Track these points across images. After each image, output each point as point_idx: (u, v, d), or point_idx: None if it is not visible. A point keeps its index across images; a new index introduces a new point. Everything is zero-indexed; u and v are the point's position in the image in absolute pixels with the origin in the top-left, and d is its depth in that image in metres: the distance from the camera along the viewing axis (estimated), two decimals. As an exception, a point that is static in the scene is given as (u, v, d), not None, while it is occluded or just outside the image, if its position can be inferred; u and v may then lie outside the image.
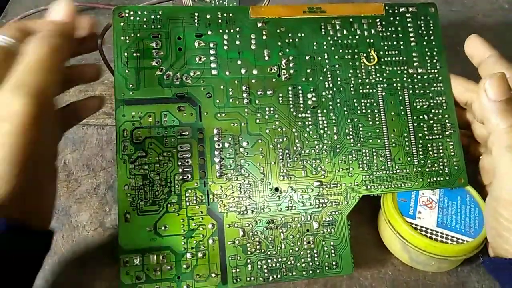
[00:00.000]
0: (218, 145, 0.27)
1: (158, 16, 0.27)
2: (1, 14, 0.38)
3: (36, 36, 0.21)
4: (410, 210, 0.28)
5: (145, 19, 0.27)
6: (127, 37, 0.26)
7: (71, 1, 0.23)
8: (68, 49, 0.23)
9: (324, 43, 0.29)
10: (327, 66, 0.29)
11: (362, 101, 0.28)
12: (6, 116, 0.19)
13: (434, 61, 0.30)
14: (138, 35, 0.27)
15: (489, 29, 0.42)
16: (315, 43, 0.29)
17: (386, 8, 0.30)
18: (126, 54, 0.26)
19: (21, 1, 0.39)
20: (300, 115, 0.28)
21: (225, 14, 0.28)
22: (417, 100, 0.29)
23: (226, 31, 0.28)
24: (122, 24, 0.26)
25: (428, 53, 0.30)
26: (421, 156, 0.28)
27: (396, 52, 0.29)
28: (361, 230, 0.31)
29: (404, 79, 0.29)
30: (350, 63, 0.29)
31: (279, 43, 0.28)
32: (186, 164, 0.26)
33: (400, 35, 0.30)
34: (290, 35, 0.29)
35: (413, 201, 0.28)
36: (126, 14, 0.27)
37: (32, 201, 0.20)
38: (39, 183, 0.21)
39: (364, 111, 0.28)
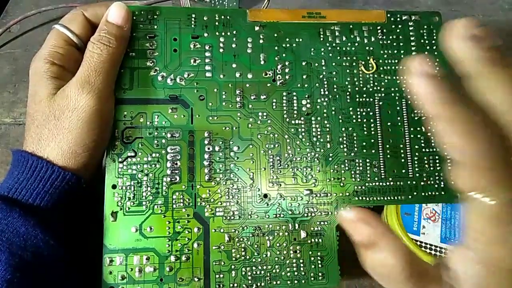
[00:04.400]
0: (209, 148, 0.26)
1: (155, 17, 0.27)
2: (1, 14, 0.39)
3: (100, 38, 0.25)
4: (414, 225, 0.27)
5: (141, 19, 0.27)
6: (123, 37, 0.26)
7: (127, 6, 0.26)
8: (124, 51, 0.26)
9: (322, 49, 0.28)
10: (324, 73, 0.28)
11: (358, 110, 0.28)
12: (73, 108, 0.23)
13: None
14: (134, 34, 0.27)
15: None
16: (312, 49, 0.28)
17: (388, 15, 0.29)
18: (121, 53, 0.26)
19: (22, 1, 0.39)
20: (293, 122, 0.27)
21: (222, 17, 0.28)
22: (415, 111, 0.28)
23: (223, 33, 0.28)
24: (118, 23, 0.27)
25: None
26: (416, 169, 0.28)
27: (396, 61, 0.29)
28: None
29: (403, 89, 0.28)
30: (348, 71, 0.28)
31: (276, 48, 0.28)
32: (175, 166, 0.26)
33: (401, 44, 0.29)
34: (287, 39, 0.28)
35: (417, 214, 0.28)
36: (123, 14, 0.27)
37: (91, 167, 0.25)
38: (97, 155, 0.25)
39: (359, 120, 0.28)
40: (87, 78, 0.24)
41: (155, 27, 0.27)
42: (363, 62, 0.28)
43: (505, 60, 0.16)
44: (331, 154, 0.27)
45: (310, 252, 0.26)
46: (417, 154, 0.28)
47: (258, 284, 0.25)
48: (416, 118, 0.28)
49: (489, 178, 0.15)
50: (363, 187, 0.27)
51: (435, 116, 0.15)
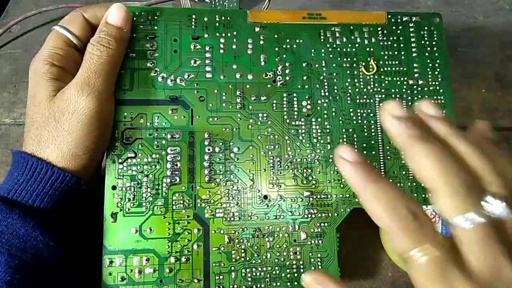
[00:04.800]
0: (209, 149, 0.26)
1: (156, 17, 0.27)
2: (2, 14, 0.39)
3: (100, 39, 0.25)
4: None
5: (142, 20, 0.27)
6: (123, 37, 0.26)
7: (126, 7, 0.26)
8: (123, 53, 0.26)
9: (323, 50, 0.28)
10: (324, 74, 0.28)
11: (359, 111, 0.28)
12: (72, 110, 0.23)
13: (436, 73, 0.29)
14: (134, 35, 0.27)
15: (489, 29, 0.41)
16: (313, 50, 0.28)
17: (389, 16, 0.29)
18: (121, 54, 0.26)
19: (22, 2, 0.39)
20: (293, 123, 0.27)
21: (222, 18, 0.28)
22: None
23: (223, 34, 0.28)
24: (118, 24, 0.26)
25: (430, 65, 0.29)
26: (416, 171, 0.27)
27: (397, 62, 0.29)
28: (361, 231, 0.31)
29: (404, 90, 0.28)
30: (348, 72, 0.28)
31: (276, 49, 0.28)
32: (175, 167, 0.26)
33: (401, 45, 0.29)
34: (288, 40, 0.28)
35: (417, 216, 0.28)
36: (123, 14, 0.27)
37: (91, 169, 0.25)
38: (97, 157, 0.26)
39: (360, 121, 0.28)
40: (86, 80, 0.24)
41: (156, 28, 0.27)
42: (363, 63, 0.28)
43: (433, 136, 0.18)
44: (331, 155, 0.27)
45: (310, 254, 0.26)
46: (417, 155, 0.28)
47: (258, 285, 0.25)
48: (416, 119, 0.28)
49: (416, 238, 0.16)
50: (363, 189, 0.27)
51: None
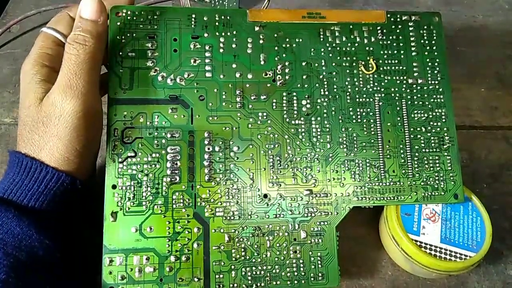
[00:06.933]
0: (208, 149, 0.26)
1: (155, 17, 0.27)
2: (1, 14, 0.39)
3: (75, 37, 0.24)
4: (414, 225, 0.27)
5: (142, 19, 0.27)
6: (123, 37, 0.27)
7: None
8: (103, 46, 0.25)
9: (322, 49, 0.28)
10: (324, 73, 0.28)
11: (358, 110, 0.28)
12: (59, 115, 0.23)
13: (436, 72, 0.29)
14: (134, 35, 0.27)
15: (489, 29, 0.41)
16: (312, 49, 0.28)
17: (388, 16, 0.29)
18: (121, 53, 0.26)
19: (21, 1, 0.39)
20: (293, 122, 0.27)
21: (222, 17, 0.28)
22: (415, 111, 0.28)
23: (223, 33, 0.28)
24: (118, 23, 0.27)
25: (430, 64, 0.29)
26: (416, 169, 0.28)
27: (396, 61, 0.29)
28: (361, 230, 0.31)
29: (403, 89, 0.28)
30: (348, 71, 0.28)
31: (276, 48, 0.28)
32: (175, 166, 0.26)
33: (401, 44, 0.29)
34: (287, 40, 0.28)
35: (417, 214, 0.28)
36: (123, 14, 0.27)
37: (85, 170, 0.25)
38: (90, 158, 0.26)
39: (359, 120, 0.28)
40: (68, 83, 0.23)
41: (155, 27, 0.27)
42: (363, 62, 0.28)
43: None
44: (331, 154, 0.27)
45: (310, 252, 0.26)
46: (417, 154, 0.28)
47: (258, 284, 0.25)
48: (416, 118, 0.28)
49: None
50: (363, 187, 0.27)
51: None
